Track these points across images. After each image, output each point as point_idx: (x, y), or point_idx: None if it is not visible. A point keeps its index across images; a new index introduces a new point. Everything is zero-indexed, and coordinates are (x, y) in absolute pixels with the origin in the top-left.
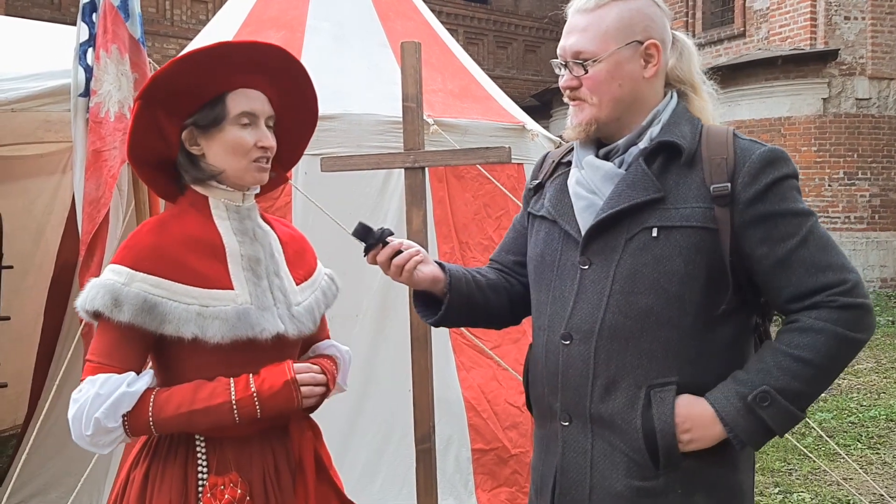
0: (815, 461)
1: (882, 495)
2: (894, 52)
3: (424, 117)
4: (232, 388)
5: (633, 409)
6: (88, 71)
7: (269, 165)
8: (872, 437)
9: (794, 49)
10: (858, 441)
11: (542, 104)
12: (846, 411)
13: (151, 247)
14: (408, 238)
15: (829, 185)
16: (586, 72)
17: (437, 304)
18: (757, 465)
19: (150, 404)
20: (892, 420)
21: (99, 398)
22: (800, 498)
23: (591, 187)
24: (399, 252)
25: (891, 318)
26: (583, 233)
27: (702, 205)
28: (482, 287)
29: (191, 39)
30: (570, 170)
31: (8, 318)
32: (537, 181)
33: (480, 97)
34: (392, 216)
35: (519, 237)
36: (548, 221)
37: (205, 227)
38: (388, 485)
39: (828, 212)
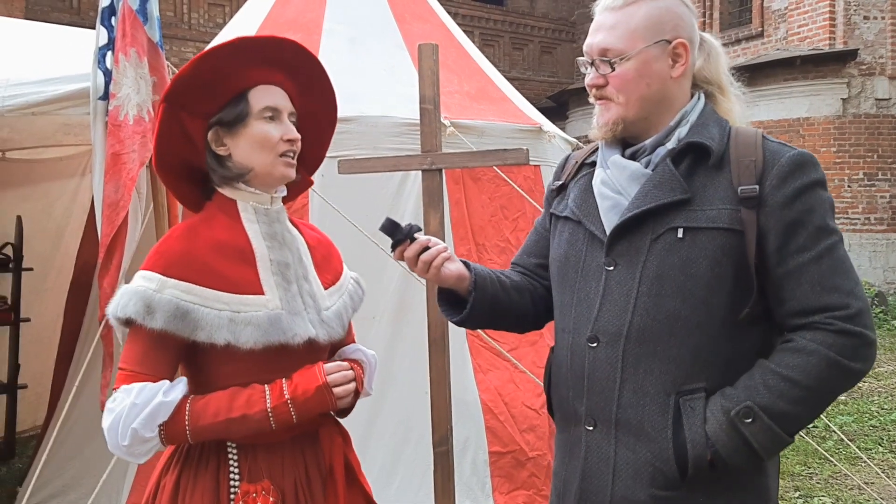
0: (835, 465)
1: None
2: None
3: (441, 119)
4: (267, 396)
5: (665, 417)
6: (107, 74)
7: (295, 161)
8: (894, 441)
9: (813, 49)
10: (880, 445)
11: (559, 106)
12: (867, 414)
13: (182, 253)
14: None
15: (849, 186)
16: (613, 70)
17: (462, 304)
18: None
19: (187, 413)
20: None
21: (135, 408)
22: (820, 502)
23: (617, 187)
24: (426, 248)
25: None
26: (608, 233)
27: (728, 206)
28: (507, 288)
29: (208, 42)
30: (594, 170)
31: (28, 320)
32: (560, 182)
33: (497, 99)
34: (408, 218)
35: (541, 240)
36: (572, 222)
37: (234, 231)
38: (405, 487)
39: (847, 213)
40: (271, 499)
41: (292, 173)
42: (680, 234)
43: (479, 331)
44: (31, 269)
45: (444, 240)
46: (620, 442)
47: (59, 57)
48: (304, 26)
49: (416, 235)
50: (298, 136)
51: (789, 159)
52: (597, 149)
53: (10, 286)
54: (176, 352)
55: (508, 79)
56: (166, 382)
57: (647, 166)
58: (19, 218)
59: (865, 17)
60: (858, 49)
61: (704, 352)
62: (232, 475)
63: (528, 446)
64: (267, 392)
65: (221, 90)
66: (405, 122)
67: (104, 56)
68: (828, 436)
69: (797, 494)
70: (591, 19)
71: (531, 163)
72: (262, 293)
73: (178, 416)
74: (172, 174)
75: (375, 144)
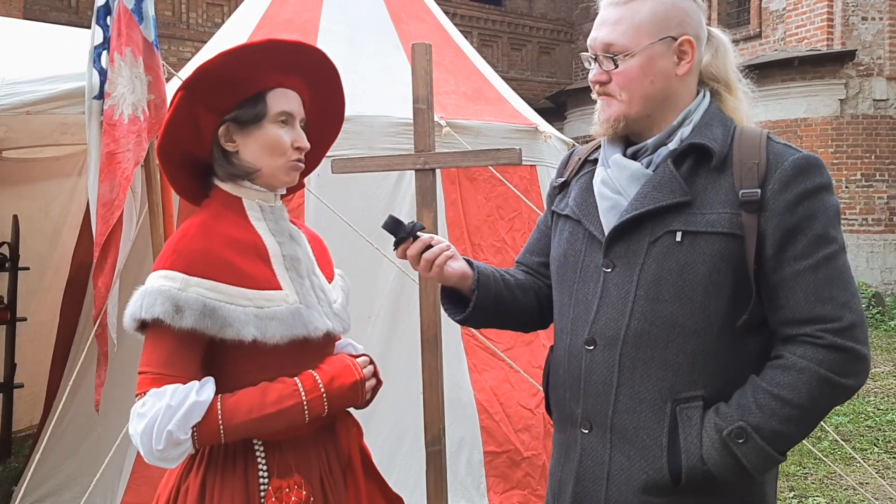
0: (830, 465)
1: None
2: None
3: (436, 119)
4: (301, 389)
5: (660, 425)
6: (103, 74)
7: (302, 166)
8: (889, 442)
9: (811, 50)
10: (875, 445)
11: (557, 106)
12: (863, 415)
13: (201, 250)
14: None
15: (847, 187)
16: (616, 66)
17: (465, 302)
18: None
19: (219, 412)
20: None
21: (170, 410)
22: (815, 502)
23: (617, 187)
24: (429, 247)
25: None
26: (606, 234)
27: (729, 210)
28: (510, 286)
29: (206, 42)
30: (596, 168)
31: (25, 319)
32: (563, 179)
33: (493, 99)
34: (404, 218)
35: (543, 238)
36: (572, 221)
37: (244, 228)
38: (400, 486)
39: (845, 214)
40: (304, 492)
41: (296, 178)
42: (678, 238)
43: (475, 330)
44: (27, 269)
45: None
46: (615, 447)
47: (56, 56)
48: (301, 26)
49: (418, 234)
50: (308, 144)
51: (793, 163)
52: (600, 145)
53: (6, 285)
54: (200, 352)
55: (507, 79)
56: (196, 383)
57: (648, 166)
58: (16, 217)
59: (863, 18)
60: (856, 50)
61: (702, 359)
62: (261, 472)
63: (524, 446)
64: (300, 385)
65: (241, 88)
66: (401, 121)
67: (99, 55)
68: (823, 436)
69: (792, 495)
70: (592, 18)
71: (527, 163)
72: (280, 288)
73: (210, 415)
74: (172, 162)
75: (371, 144)
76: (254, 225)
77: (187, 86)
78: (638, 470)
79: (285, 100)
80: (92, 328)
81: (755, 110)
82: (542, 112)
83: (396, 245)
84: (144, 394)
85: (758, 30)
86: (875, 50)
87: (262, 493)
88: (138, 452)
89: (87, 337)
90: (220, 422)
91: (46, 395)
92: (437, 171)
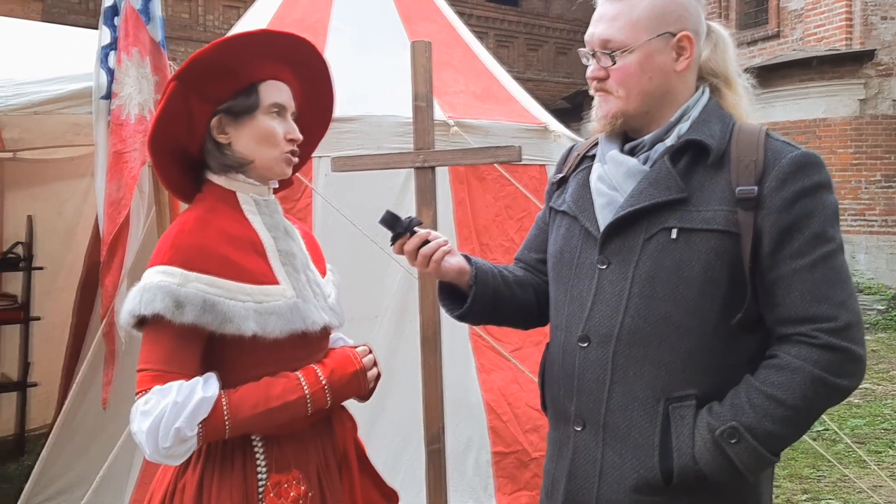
0: (844, 469)
1: None
2: None
3: (445, 119)
4: (303, 383)
5: (653, 424)
6: (110, 74)
7: (296, 159)
8: None
9: (830, 50)
10: (890, 448)
11: (574, 107)
12: (880, 417)
13: (199, 246)
14: None
15: (867, 188)
16: (614, 63)
17: (463, 298)
18: (785, 472)
19: (225, 407)
20: None
21: (177, 406)
22: None
23: (613, 183)
24: (427, 242)
25: None
26: (601, 230)
27: (725, 208)
28: (509, 282)
29: None
30: (593, 164)
31: (39, 319)
32: (561, 175)
33: (503, 99)
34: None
35: (541, 234)
36: (568, 217)
37: (239, 222)
38: (406, 486)
39: (865, 215)
40: (302, 487)
41: (289, 171)
42: (673, 235)
43: (482, 332)
44: (41, 268)
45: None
46: (608, 445)
47: (70, 58)
48: (311, 26)
49: (416, 229)
50: (300, 136)
51: (791, 160)
52: (598, 141)
53: (21, 285)
54: (200, 347)
55: (523, 80)
56: (200, 379)
57: (644, 163)
58: (30, 217)
59: (883, 18)
60: (876, 49)
61: (696, 358)
62: (259, 468)
63: (532, 447)
64: (302, 379)
65: (234, 79)
66: (409, 121)
67: (107, 55)
68: (838, 439)
69: (805, 497)
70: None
71: (537, 162)
72: (277, 283)
73: (216, 411)
74: (162, 153)
75: (379, 144)
76: (249, 219)
77: (180, 75)
78: (630, 469)
79: (277, 92)
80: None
81: (773, 110)
82: (559, 113)
83: (393, 240)
84: (146, 391)
85: (776, 29)
86: (894, 49)
87: (261, 489)
88: None
89: (97, 335)
90: (226, 417)
91: (60, 394)
92: (441, 169)
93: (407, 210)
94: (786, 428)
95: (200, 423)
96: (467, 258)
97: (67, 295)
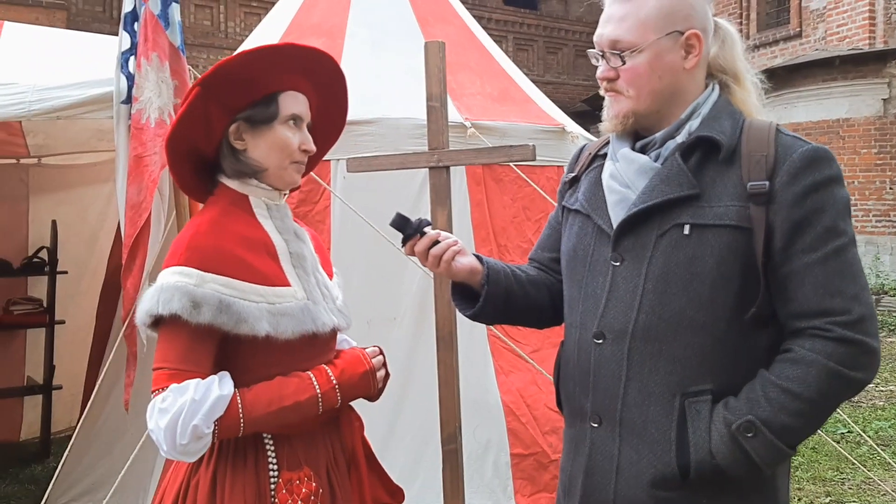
0: (867, 472)
1: None
2: None
3: (462, 120)
4: (315, 383)
5: (669, 419)
6: (130, 78)
7: (304, 168)
8: None
9: (853, 49)
10: None
11: (594, 109)
12: None
13: (215, 247)
14: None
15: (891, 189)
16: (624, 63)
17: (475, 298)
18: (808, 474)
19: (240, 405)
20: None
21: (195, 404)
22: None
23: (625, 181)
24: (437, 242)
25: None
26: (614, 228)
27: (737, 203)
28: (521, 281)
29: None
30: (605, 163)
31: (63, 322)
32: (573, 174)
33: (519, 100)
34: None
35: (554, 233)
36: (581, 215)
37: (252, 226)
38: (426, 488)
39: (889, 216)
40: (314, 484)
41: (299, 180)
42: (686, 231)
43: (501, 333)
44: (65, 273)
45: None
46: (624, 441)
47: (92, 64)
48: (329, 31)
49: (426, 230)
50: (314, 148)
51: (801, 155)
52: (609, 140)
53: (45, 289)
54: (214, 346)
55: (542, 83)
56: (215, 377)
57: (656, 160)
58: (54, 222)
59: None
60: None
61: (711, 353)
62: (271, 465)
63: (551, 449)
64: (313, 379)
65: (255, 89)
66: (425, 123)
67: (127, 60)
68: (861, 441)
69: (828, 500)
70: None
71: (554, 163)
72: (289, 285)
73: (231, 409)
74: (177, 153)
75: (397, 146)
76: (261, 223)
77: (204, 82)
78: (647, 464)
79: (296, 102)
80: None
81: (796, 111)
82: (578, 115)
83: (404, 242)
84: (163, 389)
85: (798, 29)
86: None
87: (273, 486)
88: None
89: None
90: (241, 415)
91: (83, 397)
92: (459, 170)
93: (423, 212)
94: (801, 421)
95: (216, 420)
96: (479, 258)
97: (91, 298)
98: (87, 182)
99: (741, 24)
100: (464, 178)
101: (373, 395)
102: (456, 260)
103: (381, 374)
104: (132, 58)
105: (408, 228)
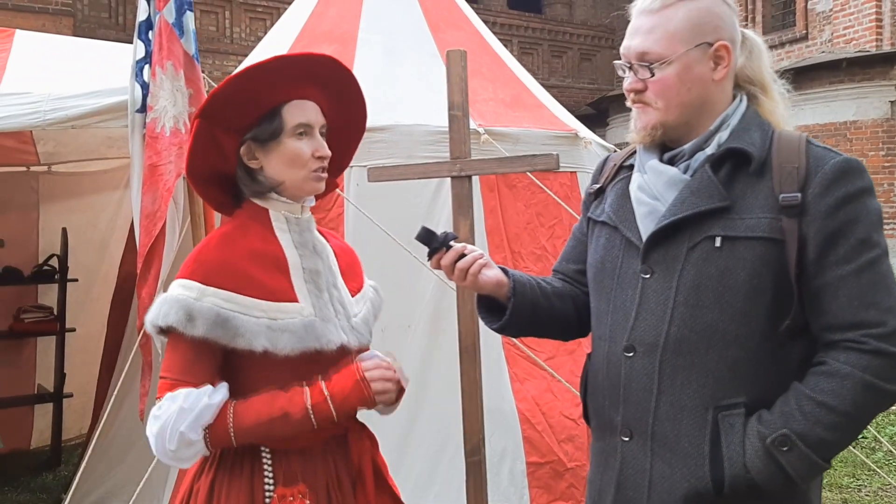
0: (885, 477)
1: None
2: None
3: (475, 126)
4: (307, 395)
5: (702, 432)
6: (145, 87)
7: (325, 174)
8: None
9: (860, 51)
10: None
11: (598, 112)
12: None
13: (220, 261)
14: None
15: None
16: (653, 74)
17: (501, 311)
18: (825, 482)
19: (230, 415)
20: None
21: (183, 412)
22: None
23: (654, 193)
24: (463, 256)
25: None
26: (644, 240)
27: (769, 215)
28: (547, 294)
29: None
30: (632, 174)
31: (73, 330)
32: (598, 185)
33: (532, 106)
34: (443, 227)
35: (579, 245)
36: (608, 227)
37: (267, 240)
38: (442, 497)
39: None
40: (307, 502)
41: (322, 187)
42: (718, 243)
43: (516, 340)
44: (76, 280)
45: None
46: (657, 455)
47: (103, 72)
48: (340, 37)
49: (451, 243)
50: (328, 152)
51: (833, 166)
52: (635, 151)
53: (55, 297)
54: (215, 359)
55: (547, 86)
56: (210, 387)
57: (685, 172)
58: (65, 230)
59: None
60: None
61: (744, 366)
62: (266, 479)
63: (567, 457)
64: (307, 391)
65: (255, 107)
66: (439, 130)
67: (141, 69)
68: (877, 447)
69: None
70: (628, 22)
71: (567, 169)
72: (297, 301)
73: (221, 418)
74: (203, 181)
75: (410, 153)
76: (278, 237)
77: (202, 112)
78: (680, 478)
79: (301, 111)
80: (137, 338)
81: (802, 113)
82: (583, 119)
83: (430, 255)
84: (162, 398)
85: (804, 32)
86: None
87: (268, 500)
88: None
89: (133, 347)
90: (231, 425)
91: (95, 405)
92: (474, 178)
93: (438, 219)
94: (837, 434)
95: (206, 428)
96: (505, 271)
97: (101, 306)
98: (97, 189)
99: (747, 27)
100: (477, 184)
101: (369, 404)
102: (482, 273)
103: (381, 385)
104: (147, 66)
105: (434, 242)
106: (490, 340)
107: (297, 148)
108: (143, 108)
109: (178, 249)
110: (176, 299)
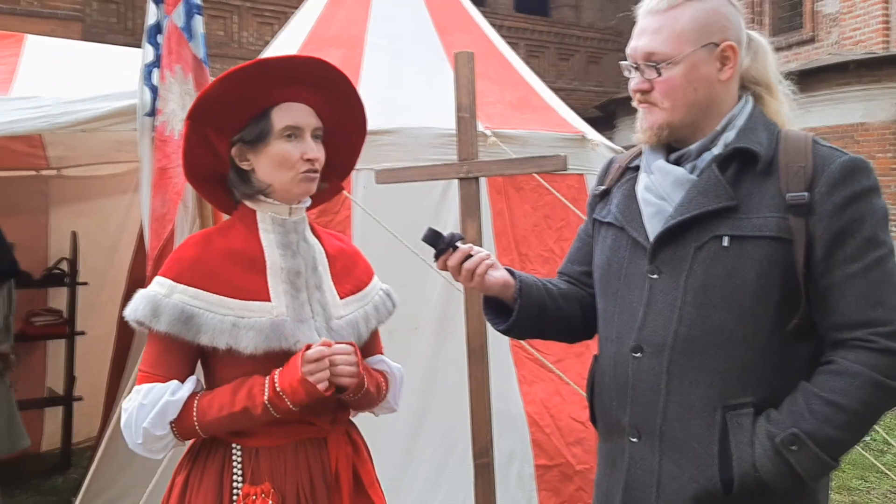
0: (894, 479)
1: None
2: None
3: (482, 129)
4: (266, 388)
5: (711, 432)
6: (154, 91)
7: (317, 176)
8: None
9: (867, 53)
10: None
11: (606, 115)
12: None
13: (193, 259)
14: None
15: None
16: (659, 74)
17: (508, 312)
18: (834, 484)
19: (195, 409)
20: None
21: (143, 408)
22: None
23: (661, 193)
24: (469, 256)
25: None
26: (651, 240)
27: (776, 214)
28: (553, 295)
29: None
30: (637, 175)
31: (83, 333)
32: (603, 187)
33: (539, 108)
34: (451, 229)
35: (584, 246)
36: (615, 228)
37: (248, 240)
38: (449, 500)
39: None
40: (270, 501)
41: (312, 188)
42: (725, 243)
43: (524, 343)
44: (85, 284)
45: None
46: (665, 455)
47: (112, 76)
48: (348, 41)
49: (458, 244)
50: (319, 154)
51: (840, 165)
52: (641, 152)
53: (65, 300)
54: (186, 354)
55: (555, 89)
56: (175, 382)
57: (692, 172)
58: (74, 233)
59: None
60: None
61: (752, 365)
62: (235, 476)
63: (576, 459)
64: (266, 385)
65: (244, 109)
66: (446, 132)
67: (151, 73)
68: (887, 449)
69: None
70: (635, 23)
71: (575, 171)
72: (269, 300)
73: (186, 412)
74: (202, 181)
75: (416, 156)
76: (261, 237)
77: (191, 114)
78: (689, 478)
79: (290, 114)
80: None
81: (810, 116)
82: (591, 121)
83: (436, 257)
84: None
85: (811, 34)
86: None
87: (234, 498)
88: None
89: (142, 350)
90: (195, 418)
91: (104, 408)
92: (482, 180)
93: (445, 221)
94: (846, 433)
95: (172, 422)
96: (511, 272)
97: (111, 309)
98: (106, 193)
99: (754, 29)
100: (485, 187)
101: (316, 396)
102: (489, 274)
103: (322, 374)
104: (156, 70)
105: (440, 243)
106: (498, 343)
107: (285, 150)
108: (153, 112)
109: None
110: (146, 295)
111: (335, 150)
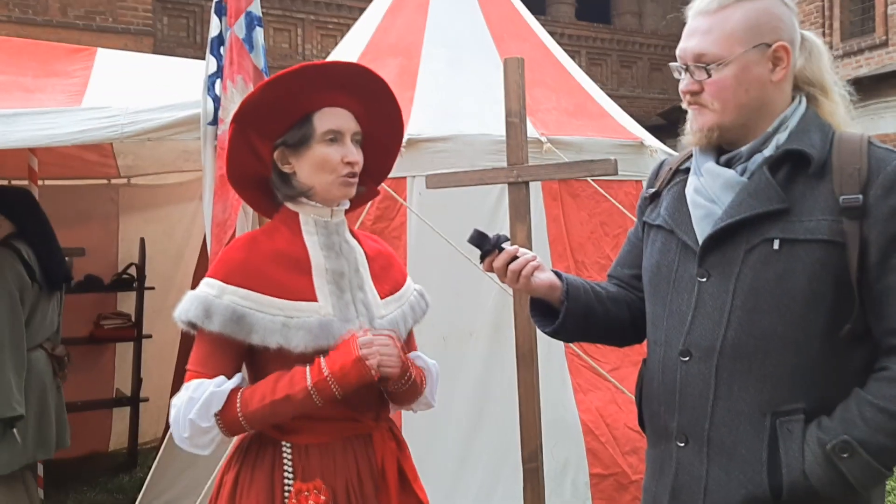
0: None
1: None
2: None
3: (537, 135)
4: (308, 374)
5: (760, 439)
6: (216, 101)
7: (356, 180)
8: None
9: None
10: None
11: (669, 123)
12: None
13: (241, 261)
14: None
15: None
16: (710, 76)
17: (554, 314)
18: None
19: (238, 401)
20: None
21: (192, 401)
22: None
23: (711, 196)
24: (515, 258)
25: None
26: (700, 243)
27: (829, 217)
28: (601, 298)
29: None
30: (687, 177)
31: (150, 337)
32: (653, 190)
33: (596, 115)
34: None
35: (634, 250)
36: (664, 231)
37: (293, 242)
38: None
39: None
40: (322, 497)
41: (351, 192)
42: (776, 246)
43: (579, 350)
44: (152, 289)
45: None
46: (712, 461)
47: (179, 87)
48: (405, 50)
49: (503, 245)
50: (358, 158)
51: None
52: (691, 155)
53: (133, 304)
54: (235, 353)
55: (617, 97)
56: (222, 377)
57: (742, 174)
58: (142, 240)
59: None
60: None
61: (802, 371)
62: (286, 473)
63: (631, 469)
64: (308, 371)
65: (287, 113)
66: (502, 139)
67: (213, 83)
68: None
69: None
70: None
71: (633, 178)
72: (316, 300)
73: (230, 405)
74: (243, 185)
75: (472, 162)
76: (305, 239)
77: (236, 117)
78: (737, 485)
79: (332, 118)
80: None
81: (883, 122)
82: (654, 129)
83: (482, 258)
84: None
85: (884, 38)
86: None
87: (286, 494)
88: None
89: None
90: (239, 410)
91: (169, 409)
92: (534, 186)
93: (500, 228)
94: None
95: (216, 414)
96: (558, 274)
97: None
98: (173, 201)
99: (824, 33)
100: (539, 193)
101: (366, 379)
102: (534, 276)
103: (388, 359)
104: (218, 80)
105: (486, 244)
106: (553, 351)
107: (326, 153)
108: (215, 121)
109: None
110: (197, 296)
111: (372, 154)
